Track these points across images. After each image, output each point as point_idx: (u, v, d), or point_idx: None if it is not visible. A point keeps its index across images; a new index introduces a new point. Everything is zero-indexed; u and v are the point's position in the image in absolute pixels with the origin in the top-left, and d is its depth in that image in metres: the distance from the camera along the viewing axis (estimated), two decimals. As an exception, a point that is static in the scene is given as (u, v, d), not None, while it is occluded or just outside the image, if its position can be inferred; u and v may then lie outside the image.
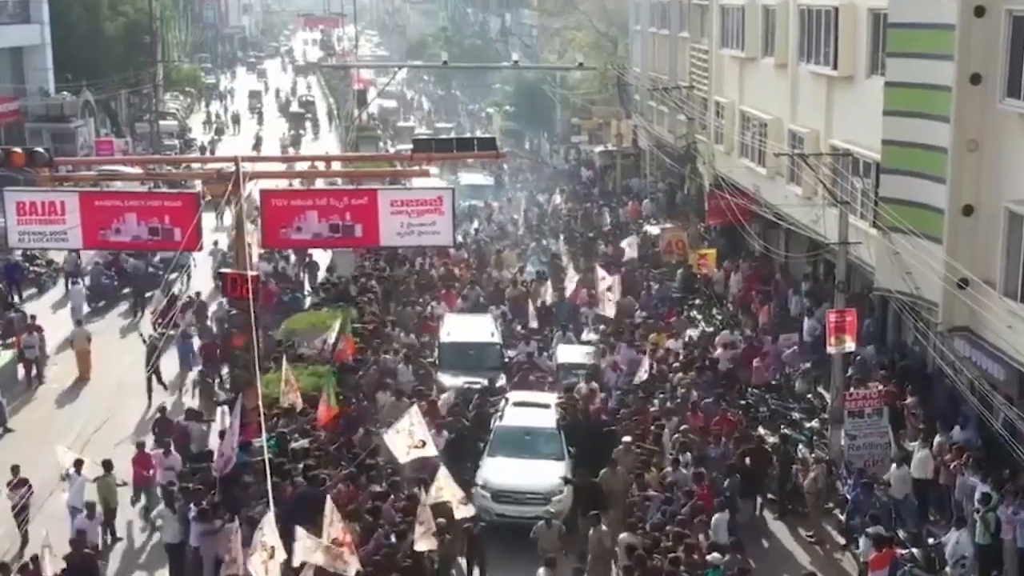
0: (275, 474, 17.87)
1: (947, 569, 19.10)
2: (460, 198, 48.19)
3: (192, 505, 18.73)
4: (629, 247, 38.66)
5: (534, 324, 31.28)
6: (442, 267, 36.78)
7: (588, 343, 30.46)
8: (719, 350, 28.77)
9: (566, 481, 21.74)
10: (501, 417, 23.86)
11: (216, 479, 19.30)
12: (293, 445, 20.96)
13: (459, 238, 39.76)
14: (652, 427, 23.66)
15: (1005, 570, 19.62)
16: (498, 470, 22.21)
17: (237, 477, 19.14)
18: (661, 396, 25.72)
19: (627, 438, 22.67)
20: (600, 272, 33.72)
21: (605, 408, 24.85)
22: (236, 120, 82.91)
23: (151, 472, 22.13)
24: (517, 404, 24.39)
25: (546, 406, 24.32)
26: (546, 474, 22.13)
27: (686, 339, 29.90)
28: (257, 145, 68.82)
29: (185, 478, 20.67)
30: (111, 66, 66.67)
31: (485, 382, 26.12)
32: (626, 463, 21.79)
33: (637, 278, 35.77)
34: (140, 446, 22.73)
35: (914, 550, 19.45)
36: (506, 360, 28.44)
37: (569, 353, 28.98)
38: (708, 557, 18.18)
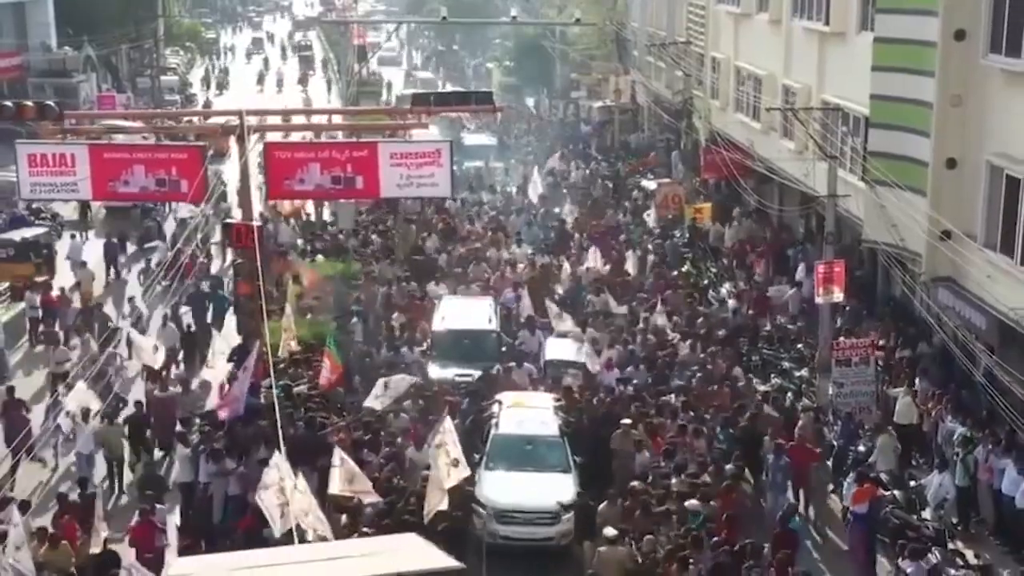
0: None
1: (927, 511, 19.77)
2: (463, 158, 48.46)
3: (203, 445, 19.49)
4: (647, 216, 38.22)
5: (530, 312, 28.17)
6: (441, 223, 36.70)
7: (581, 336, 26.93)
8: (731, 302, 29.27)
9: (566, 508, 19.51)
10: (497, 424, 21.21)
11: (224, 421, 19.98)
12: (295, 390, 21.65)
13: (463, 202, 39.62)
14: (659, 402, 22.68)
15: (981, 511, 20.40)
16: (500, 486, 19.86)
17: (246, 419, 19.79)
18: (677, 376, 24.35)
19: (626, 421, 21.37)
20: (597, 255, 32.24)
21: (608, 411, 22.27)
22: (225, 72, 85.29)
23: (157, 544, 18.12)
24: (512, 407, 21.77)
25: (544, 409, 21.88)
26: (553, 489, 19.82)
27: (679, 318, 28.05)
28: (260, 80, 79.08)
29: (189, 423, 21.36)
30: (110, 21, 66.83)
31: (476, 374, 24.08)
32: (625, 446, 20.76)
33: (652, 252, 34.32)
34: (144, 513, 18.27)
35: (895, 492, 20.15)
36: (503, 349, 26.12)
37: (558, 348, 26.08)
38: (687, 504, 18.52)
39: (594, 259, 32.12)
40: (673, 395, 23.09)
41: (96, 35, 64.37)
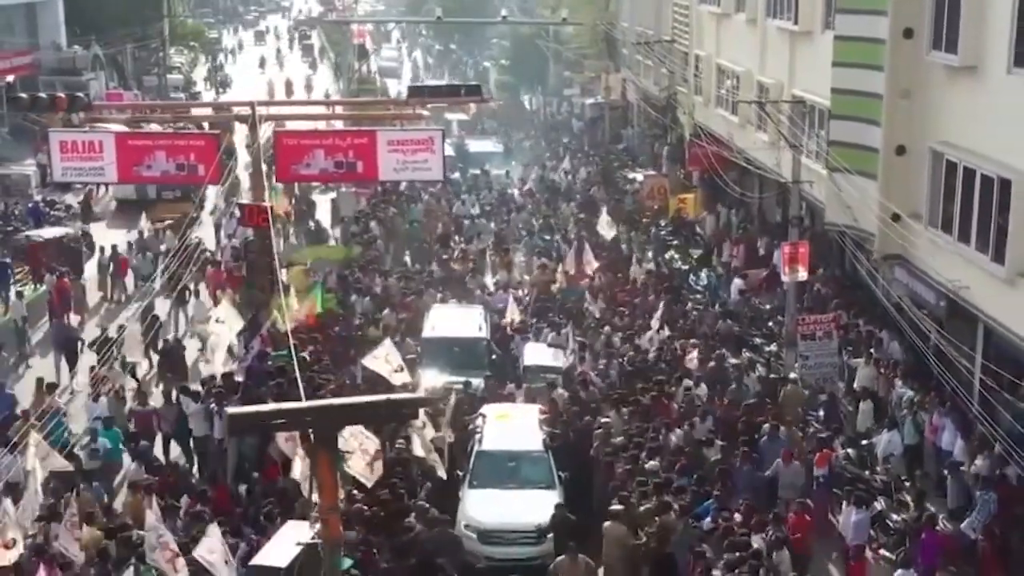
0: (282, 378, 20.63)
1: (877, 467, 21.67)
2: (468, 164, 50.17)
3: (215, 403, 21.23)
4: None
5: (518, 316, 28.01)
6: (440, 224, 38.00)
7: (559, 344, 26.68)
8: (736, 281, 30.98)
9: (542, 532, 18.90)
10: (481, 440, 20.73)
11: (239, 383, 21.89)
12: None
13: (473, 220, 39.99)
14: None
15: (926, 467, 22.29)
16: (483, 506, 19.45)
17: (257, 382, 21.68)
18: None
19: (604, 419, 21.30)
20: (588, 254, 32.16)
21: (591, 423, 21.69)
22: (219, 68, 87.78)
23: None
24: (496, 421, 21.31)
25: (529, 422, 21.35)
26: (538, 507, 19.14)
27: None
28: (262, 64, 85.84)
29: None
30: (117, 21, 68.32)
31: (466, 384, 23.50)
32: (612, 456, 20.05)
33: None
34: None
35: (848, 450, 22.07)
36: (493, 358, 25.99)
37: (536, 354, 25.96)
38: (646, 466, 19.21)
39: (577, 261, 32.07)
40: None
41: (103, 35, 65.99)
